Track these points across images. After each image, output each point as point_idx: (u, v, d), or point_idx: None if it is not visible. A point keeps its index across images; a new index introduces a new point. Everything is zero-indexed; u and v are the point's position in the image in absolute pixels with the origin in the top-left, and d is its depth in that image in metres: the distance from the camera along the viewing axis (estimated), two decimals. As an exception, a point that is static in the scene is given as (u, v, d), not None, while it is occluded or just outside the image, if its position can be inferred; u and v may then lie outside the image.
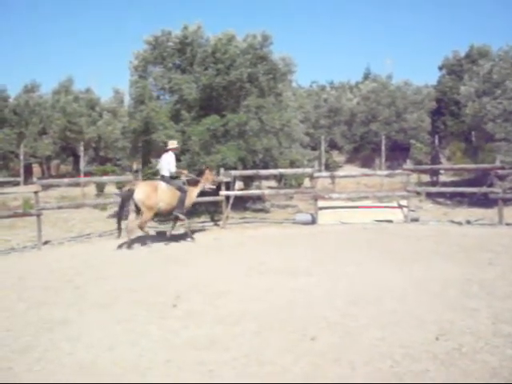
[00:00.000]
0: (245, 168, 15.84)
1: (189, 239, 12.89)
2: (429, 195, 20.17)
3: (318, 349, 5.55)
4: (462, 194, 18.94)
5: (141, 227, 12.39)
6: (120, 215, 12.48)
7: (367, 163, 31.00)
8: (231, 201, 15.17)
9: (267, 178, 22.18)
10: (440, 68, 29.30)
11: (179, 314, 6.88)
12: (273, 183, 23.88)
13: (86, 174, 24.09)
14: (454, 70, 27.70)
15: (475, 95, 19.76)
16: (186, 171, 13.37)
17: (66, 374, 5.11)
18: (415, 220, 15.19)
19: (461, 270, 8.90)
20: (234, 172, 15.12)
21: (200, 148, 15.43)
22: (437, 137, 26.28)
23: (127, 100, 21.38)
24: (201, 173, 13.62)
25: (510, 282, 8.03)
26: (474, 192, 17.03)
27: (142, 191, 12.13)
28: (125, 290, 8.18)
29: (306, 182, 22.60)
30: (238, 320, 6.53)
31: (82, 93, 32.81)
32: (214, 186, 13.90)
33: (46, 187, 21.86)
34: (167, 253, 11.41)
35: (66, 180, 19.01)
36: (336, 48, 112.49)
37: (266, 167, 16.82)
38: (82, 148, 25.01)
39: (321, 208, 15.24)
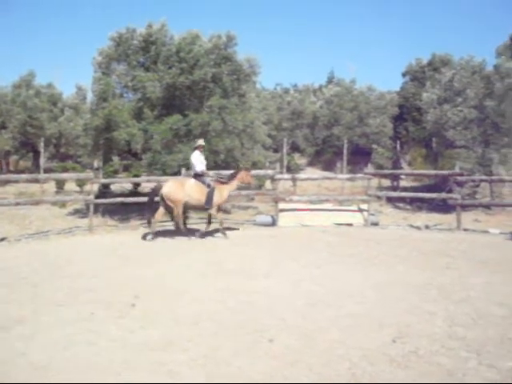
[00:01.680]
0: (207, 168, 15.77)
1: (220, 234, 13.47)
2: (389, 200, 20.42)
3: (276, 351, 5.55)
4: (421, 199, 19.21)
5: (176, 222, 13.22)
6: (150, 208, 13.12)
7: (329, 167, 31.21)
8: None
9: (229, 178, 22.14)
10: (403, 74, 29.60)
11: (137, 313, 6.81)
12: (234, 184, 23.83)
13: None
14: (417, 76, 28.01)
15: (437, 102, 20.06)
16: (210, 173, 13.72)
17: (19, 376, 4.98)
18: (375, 224, 15.34)
19: (420, 274, 9.03)
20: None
21: (162, 147, 15.34)
22: (398, 142, 26.60)
23: (90, 97, 21.24)
24: (235, 173, 13.77)
25: (466, 287, 8.17)
26: (434, 198, 17.29)
27: (168, 186, 13.04)
28: (83, 288, 8.06)
29: (268, 184, 22.65)
30: (196, 321, 6.49)
31: (44, 88, 32.08)
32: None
33: (3, 183, 21.56)
34: (125, 253, 11.25)
35: (24, 176, 18.69)
36: (300, 51, 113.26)
37: (227, 168, 16.77)
38: (42, 144, 24.57)
39: (281, 210, 15.29)
